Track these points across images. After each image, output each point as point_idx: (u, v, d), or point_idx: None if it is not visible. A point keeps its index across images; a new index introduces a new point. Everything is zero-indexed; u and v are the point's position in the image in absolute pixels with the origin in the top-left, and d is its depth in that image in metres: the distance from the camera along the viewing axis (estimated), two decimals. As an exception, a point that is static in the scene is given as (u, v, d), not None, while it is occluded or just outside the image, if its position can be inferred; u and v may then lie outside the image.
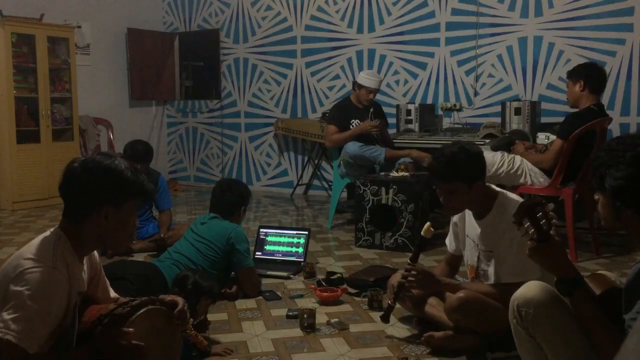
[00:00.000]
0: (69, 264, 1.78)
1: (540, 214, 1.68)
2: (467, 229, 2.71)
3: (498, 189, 2.63)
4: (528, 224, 1.69)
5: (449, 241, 2.88)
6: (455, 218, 2.79)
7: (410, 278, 2.62)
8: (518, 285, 1.90)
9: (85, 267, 1.93)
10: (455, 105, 6.08)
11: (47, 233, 1.84)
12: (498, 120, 5.24)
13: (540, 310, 1.75)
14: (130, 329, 1.76)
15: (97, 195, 1.80)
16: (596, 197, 1.66)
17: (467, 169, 2.49)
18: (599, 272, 1.98)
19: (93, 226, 1.82)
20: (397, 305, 3.06)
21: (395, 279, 2.92)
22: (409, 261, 2.69)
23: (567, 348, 1.72)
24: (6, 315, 1.63)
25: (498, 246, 2.52)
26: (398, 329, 2.88)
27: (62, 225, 1.85)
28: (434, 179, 2.59)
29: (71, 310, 1.80)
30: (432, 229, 2.67)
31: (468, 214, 2.68)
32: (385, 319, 2.79)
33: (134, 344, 1.73)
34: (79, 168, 1.82)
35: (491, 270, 2.59)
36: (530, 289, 1.80)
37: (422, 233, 2.68)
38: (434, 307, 2.79)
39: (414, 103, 5.77)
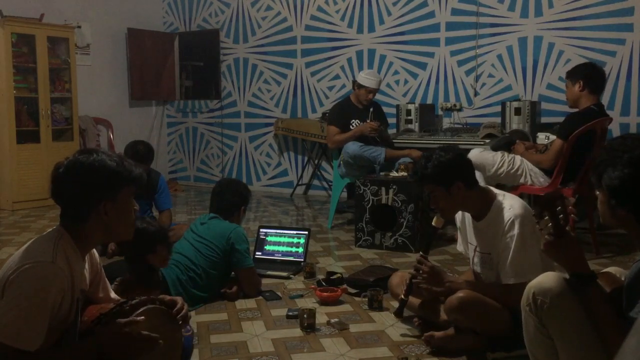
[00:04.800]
0: (70, 259, 1.78)
1: (560, 207, 1.68)
2: (467, 232, 2.71)
3: (498, 191, 2.62)
4: (547, 217, 1.69)
5: (462, 246, 2.86)
6: (458, 222, 2.79)
7: (420, 272, 2.62)
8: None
9: (87, 266, 1.93)
10: (455, 105, 6.08)
11: (49, 231, 1.84)
12: (498, 120, 5.23)
13: (557, 301, 1.74)
14: (141, 317, 1.76)
15: (90, 196, 1.80)
16: (596, 193, 1.67)
17: (437, 171, 2.50)
18: (607, 269, 1.98)
19: (96, 223, 1.82)
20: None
21: (396, 278, 2.93)
22: (421, 253, 2.70)
23: (579, 342, 1.71)
24: (1, 317, 1.62)
25: (496, 248, 2.52)
26: (398, 329, 2.87)
27: (63, 224, 1.85)
28: (415, 182, 2.66)
29: (74, 307, 1.80)
30: (442, 219, 2.67)
31: (467, 217, 2.68)
32: (398, 314, 2.80)
33: (140, 333, 1.73)
34: (63, 174, 1.82)
35: (489, 272, 2.59)
36: (548, 278, 1.79)
37: (432, 223, 2.68)
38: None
39: (414, 103, 5.77)
